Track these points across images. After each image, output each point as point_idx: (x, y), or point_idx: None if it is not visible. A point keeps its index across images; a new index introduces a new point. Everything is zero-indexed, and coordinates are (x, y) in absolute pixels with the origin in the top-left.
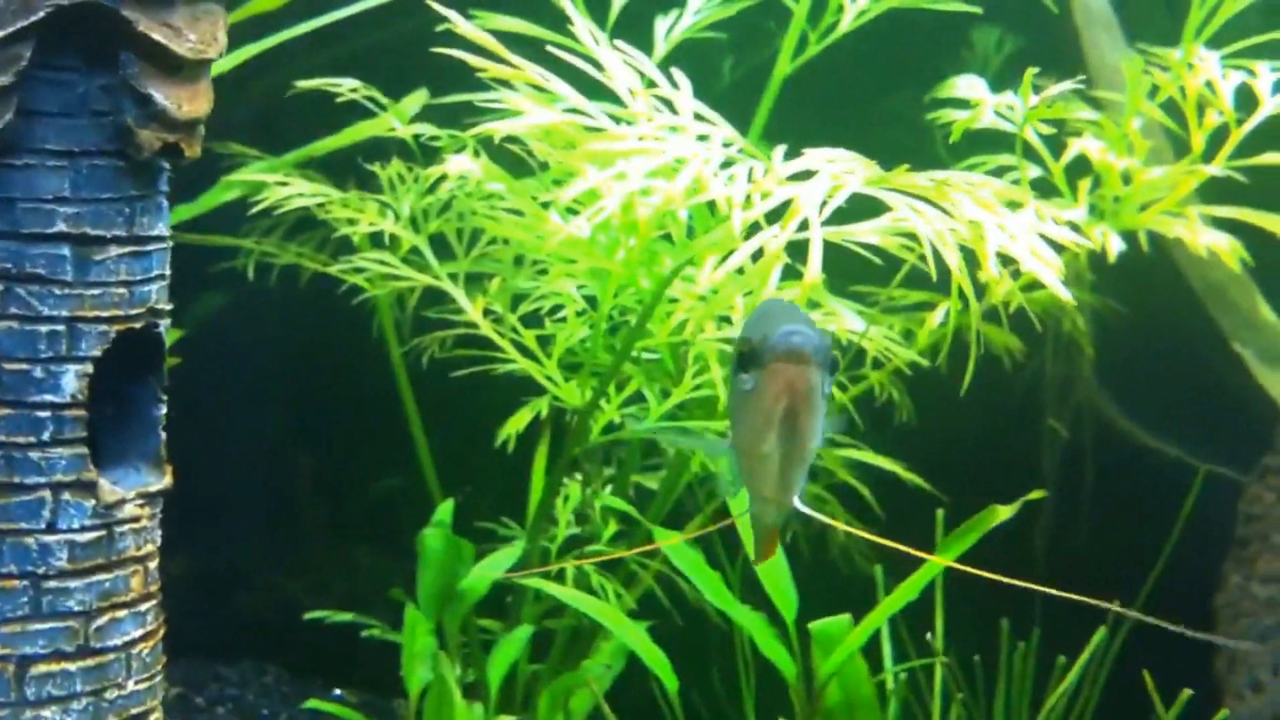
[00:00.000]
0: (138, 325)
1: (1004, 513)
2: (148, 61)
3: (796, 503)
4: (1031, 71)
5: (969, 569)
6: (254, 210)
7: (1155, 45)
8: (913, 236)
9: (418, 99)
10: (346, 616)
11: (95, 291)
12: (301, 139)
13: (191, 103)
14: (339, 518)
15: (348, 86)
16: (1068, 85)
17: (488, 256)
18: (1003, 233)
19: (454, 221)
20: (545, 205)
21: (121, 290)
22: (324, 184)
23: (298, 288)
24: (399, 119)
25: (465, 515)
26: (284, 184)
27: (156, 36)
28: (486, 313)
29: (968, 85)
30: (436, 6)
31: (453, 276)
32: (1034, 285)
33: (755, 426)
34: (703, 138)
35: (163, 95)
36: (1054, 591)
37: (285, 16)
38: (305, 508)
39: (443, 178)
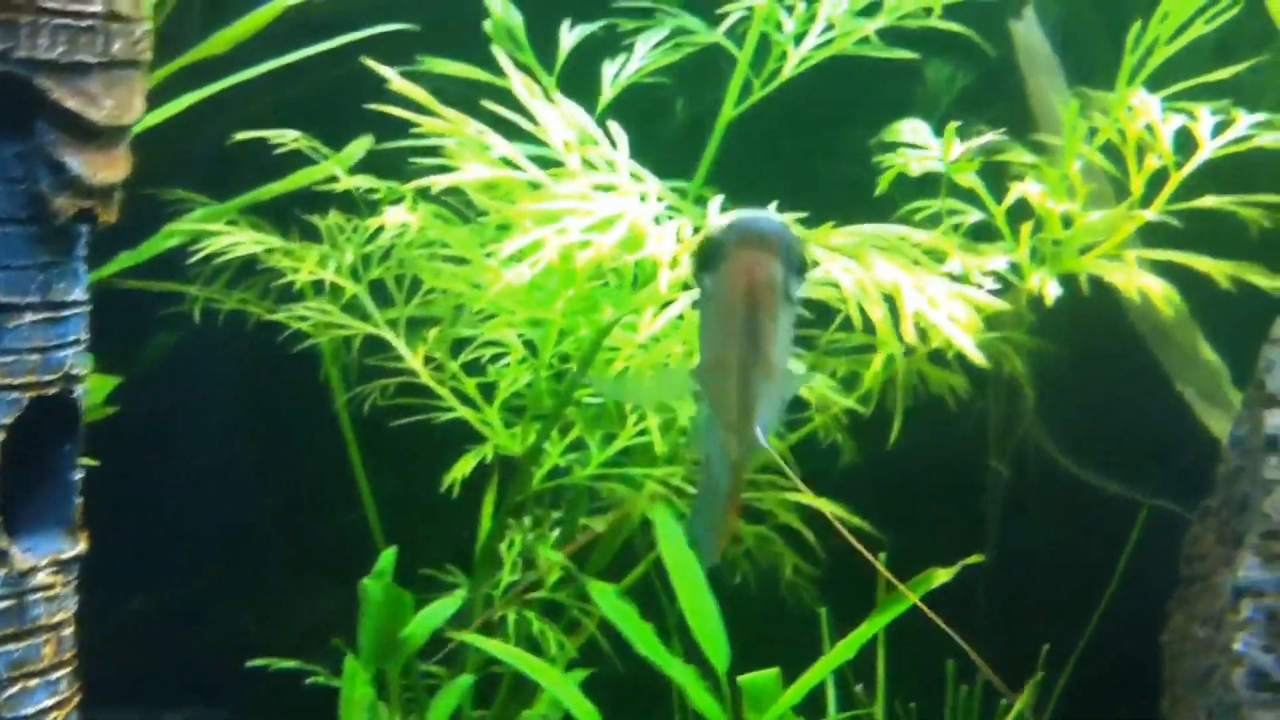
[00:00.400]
0: (52, 391)
1: (941, 575)
2: (62, 129)
3: (759, 436)
4: (953, 125)
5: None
6: (192, 259)
7: (1103, 87)
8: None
9: (362, 144)
10: (290, 663)
11: (8, 359)
12: (259, 178)
13: (107, 169)
14: (295, 556)
15: (289, 136)
16: (989, 138)
17: (430, 302)
18: (920, 295)
19: (395, 268)
20: (488, 254)
21: (35, 357)
22: (269, 230)
23: (248, 328)
24: (341, 166)
25: (414, 559)
26: (224, 232)
27: (71, 104)
28: (428, 360)
29: (912, 130)
30: (372, 64)
31: (394, 323)
32: None
33: (715, 331)
34: (643, 198)
35: (78, 162)
36: (975, 656)
37: (234, 60)
38: (260, 546)
39: (383, 226)
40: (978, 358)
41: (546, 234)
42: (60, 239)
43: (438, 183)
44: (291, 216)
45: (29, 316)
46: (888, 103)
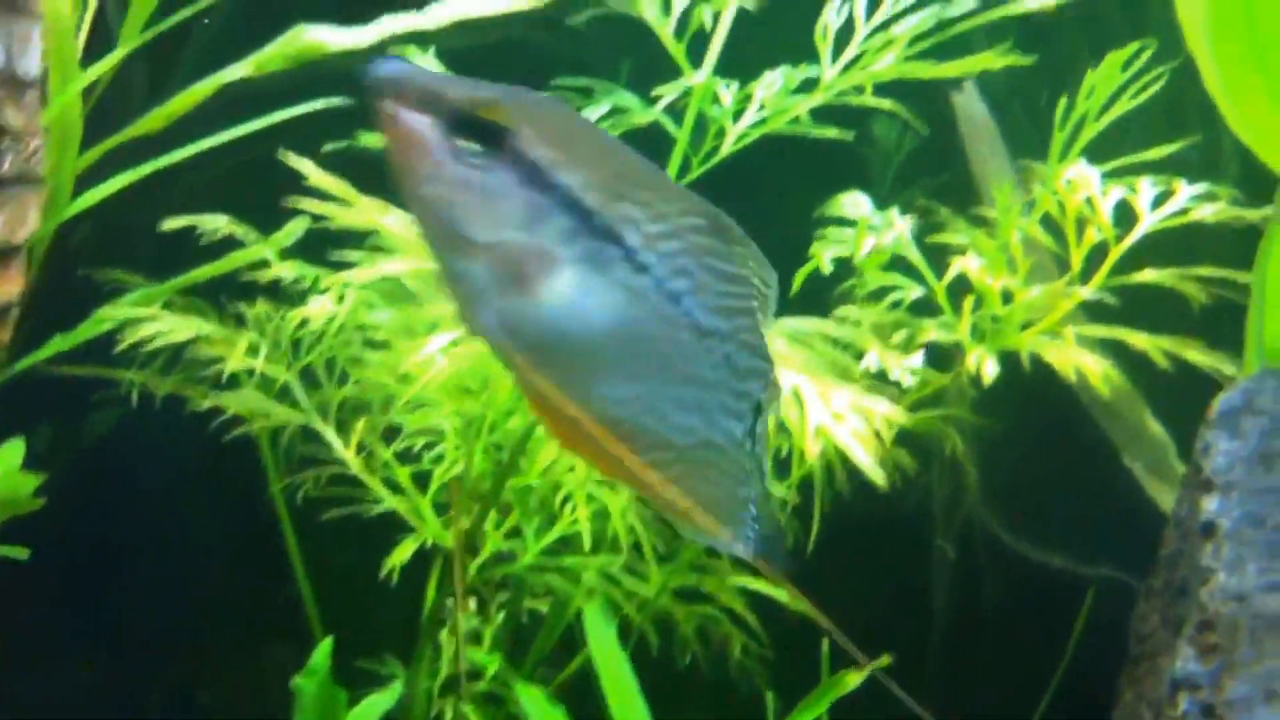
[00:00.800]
0: None
1: (853, 679)
2: None
3: (488, 330)
4: (866, 220)
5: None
6: (120, 348)
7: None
8: None
9: (296, 227)
10: None
11: None
12: (197, 252)
13: (1, 288)
14: (247, 630)
15: (219, 223)
16: (898, 231)
17: (361, 389)
18: (824, 407)
19: (326, 352)
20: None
21: None
22: (207, 310)
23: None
24: (273, 249)
25: (359, 638)
26: (154, 318)
27: None
28: (361, 448)
29: (853, 204)
30: (290, 159)
31: (325, 409)
32: (916, 405)
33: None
34: None
35: None
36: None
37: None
38: (212, 620)
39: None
40: (879, 478)
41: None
42: None
43: (360, 276)
44: (231, 291)
45: None
46: (838, 165)
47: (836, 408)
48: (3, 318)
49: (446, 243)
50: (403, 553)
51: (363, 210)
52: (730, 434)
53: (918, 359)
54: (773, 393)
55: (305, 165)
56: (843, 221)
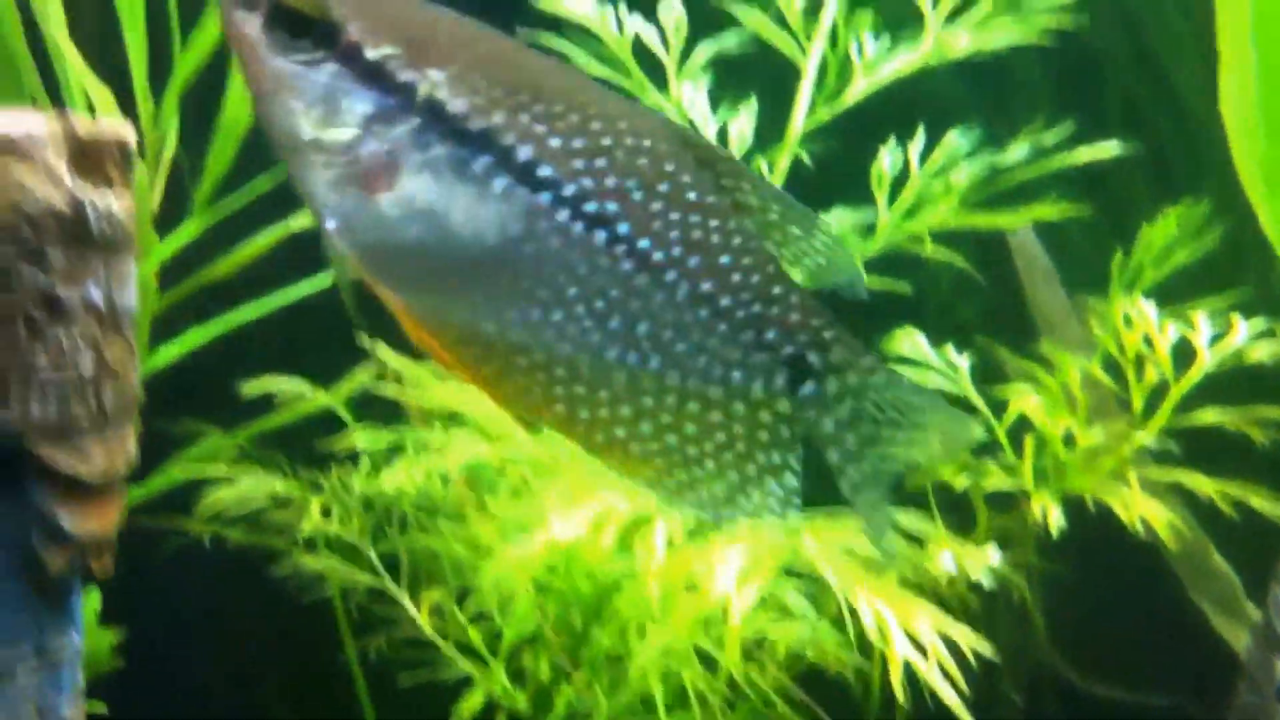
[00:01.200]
0: None
1: None
2: (54, 488)
3: (335, 240)
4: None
5: None
6: (199, 510)
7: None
8: None
9: (358, 379)
10: None
11: (2, 716)
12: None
13: (99, 521)
14: None
15: (296, 386)
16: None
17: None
18: (907, 640)
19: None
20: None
21: (29, 707)
22: (279, 462)
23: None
24: (338, 401)
25: None
26: (229, 480)
27: (62, 465)
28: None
29: (910, 344)
30: (364, 341)
31: (396, 569)
32: None
33: None
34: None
35: (70, 520)
36: None
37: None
38: None
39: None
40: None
41: (538, 542)
42: (54, 590)
43: (433, 462)
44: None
45: (22, 677)
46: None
47: (919, 629)
48: (102, 551)
49: (284, 144)
50: (472, 703)
51: (435, 393)
52: (738, 388)
53: (995, 555)
54: (839, 355)
55: (380, 349)
56: (902, 360)
